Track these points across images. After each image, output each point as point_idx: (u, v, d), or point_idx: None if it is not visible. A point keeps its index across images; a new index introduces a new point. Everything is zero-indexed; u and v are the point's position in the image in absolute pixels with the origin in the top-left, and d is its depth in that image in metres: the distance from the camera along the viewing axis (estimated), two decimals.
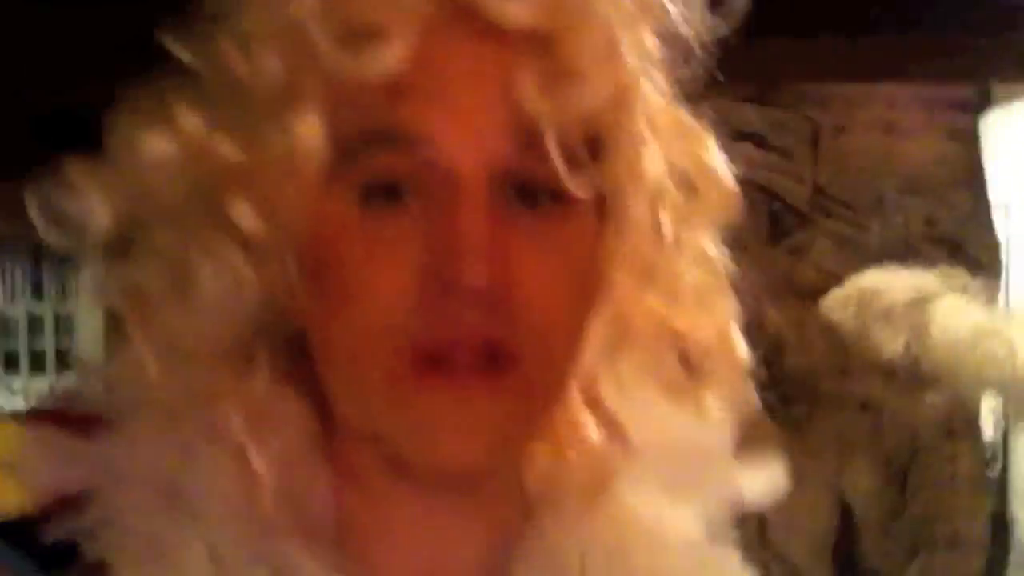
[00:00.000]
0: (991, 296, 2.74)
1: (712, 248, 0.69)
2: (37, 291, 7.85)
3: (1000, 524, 3.48)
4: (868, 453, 2.70)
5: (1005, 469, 3.58)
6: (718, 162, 0.67)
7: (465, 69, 0.59)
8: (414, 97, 0.58)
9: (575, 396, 0.68)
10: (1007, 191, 3.02)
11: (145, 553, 0.61)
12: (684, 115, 0.67)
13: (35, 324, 7.87)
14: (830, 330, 2.60)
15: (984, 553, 2.92)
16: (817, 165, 2.63)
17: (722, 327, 0.70)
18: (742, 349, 0.70)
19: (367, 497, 0.66)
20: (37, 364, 7.83)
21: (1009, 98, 2.88)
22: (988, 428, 3.57)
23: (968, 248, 2.69)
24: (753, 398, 0.72)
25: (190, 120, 0.62)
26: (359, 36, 0.58)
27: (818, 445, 2.66)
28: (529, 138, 0.58)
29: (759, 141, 2.56)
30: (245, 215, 0.62)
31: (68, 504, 0.62)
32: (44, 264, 7.74)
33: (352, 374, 0.62)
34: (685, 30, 0.64)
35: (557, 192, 0.59)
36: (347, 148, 0.59)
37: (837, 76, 2.45)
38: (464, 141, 0.58)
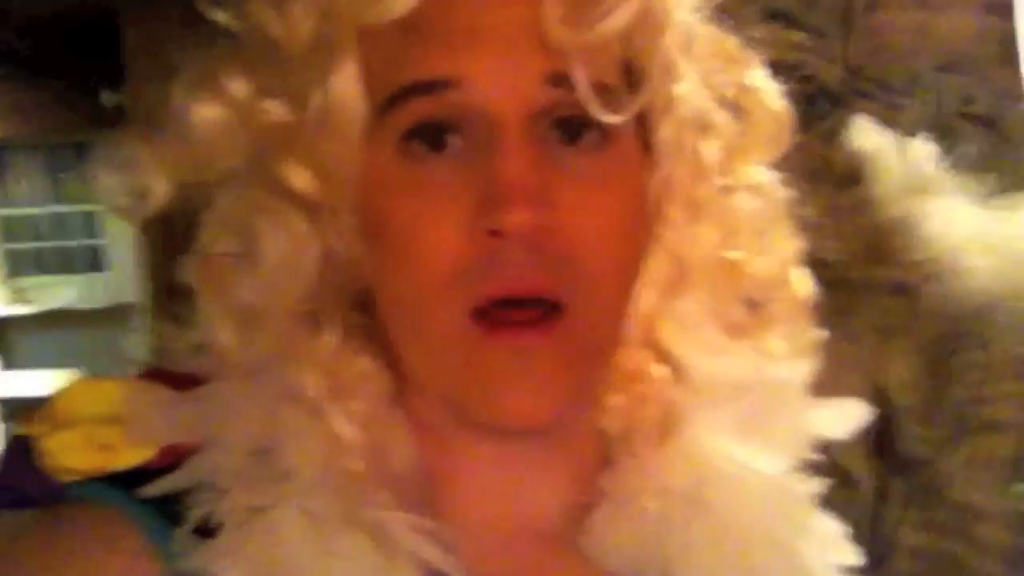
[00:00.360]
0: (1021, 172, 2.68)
1: (768, 177, 0.68)
2: (58, 191, 7.96)
3: None
4: (907, 339, 2.68)
5: None
6: (766, 85, 0.66)
7: (491, 8, 0.59)
8: (445, 41, 0.58)
9: (638, 340, 0.68)
10: None
11: (245, 512, 0.63)
12: (726, 38, 0.66)
13: (59, 224, 8.00)
14: (866, 215, 2.57)
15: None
16: (849, 43, 2.55)
17: (783, 262, 0.70)
18: (806, 285, 0.70)
19: (444, 450, 0.68)
20: (65, 264, 7.99)
21: None
22: None
23: (1004, 126, 2.62)
24: (817, 334, 0.72)
25: (237, 85, 0.65)
26: None
27: (855, 331, 2.64)
28: (563, 72, 0.59)
29: (789, 20, 2.48)
30: (295, 174, 0.63)
31: (180, 457, 0.64)
32: (66, 164, 7.83)
33: (414, 331, 0.64)
34: None
35: (598, 125, 0.60)
36: (384, 100, 0.61)
37: None
38: (497, 82, 0.58)
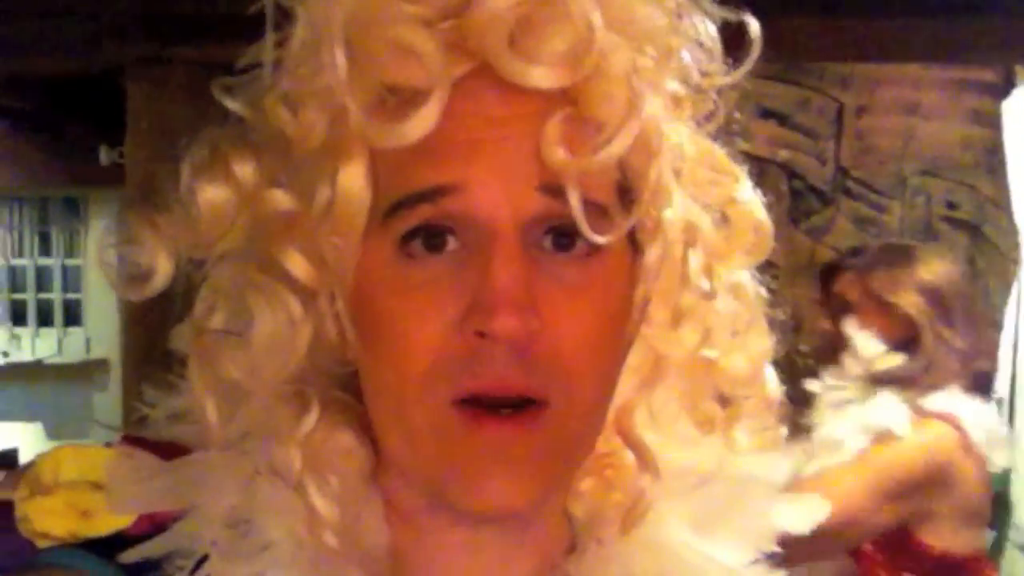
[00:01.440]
0: (1008, 280, 2.74)
1: (748, 281, 0.70)
2: (45, 245, 7.98)
3: (1001, 506, 3.50)
4: None
5: (1008, 455, 3.60)
6: (751, 199, 0.68)
7: (496, 125, 0.60)
8: (450, 153, 0.60)
9: (612, 428, 0.70)
10: None
11: None
12: (715, 155, 0.68)
13: (43, 277, 8.00)
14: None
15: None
16: (840, 145, 2.62)
17: (755, 361, 0.71)
18: (774, 385, 0.72)
19: (415, 531, 0.68)
20: (45, 317, 7.97)
21: None
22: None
23: (987, 231, 2.69)
24: (782, 432, 0.73)
25: (244, 170, 0.65)
26: (391, 101, 0.60)
27: None
28: (559, 187, 0.59)
29: (782, 119, 2.56)
30: (295, 261, 0.64)
31: (157, 525, 0.65)
32: (52, 218, 7.87)
33: (397, 418, 0.64)
34: (710, 73, 0.65)
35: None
36: (389, 205, 0.61)
37: (860, 56, 2.44)
38: (496, 194, 0.60)
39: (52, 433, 7.03)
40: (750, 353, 0.71)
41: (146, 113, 2.50)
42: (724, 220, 0.68)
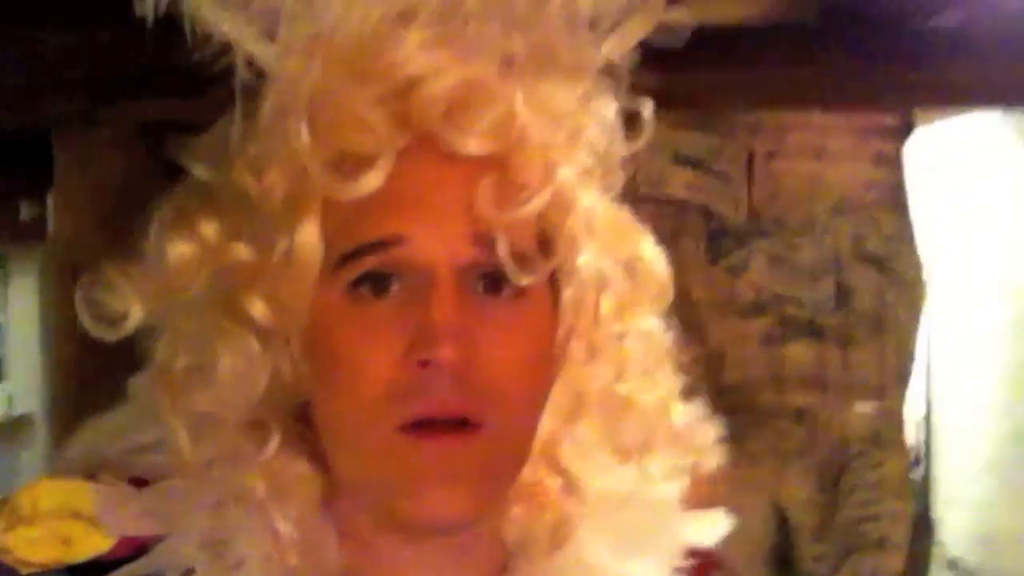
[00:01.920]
0: (916, 311, 2.88)
1: (655, 326, 0.81)
2: None
3: (923, 525, 3.63)
4: (802, 461, 2.81)
5: (927, 473, 3.74)
6: (653, 254, 0.80)
7: (435, 186, 0.71)
8: (395, 209, 0.70)
9: (540, 457, 0.79)
10: (928, 210, 3.18)
11: None
12: (621, 216, 0.79)
13: None
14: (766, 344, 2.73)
15: (909, 553, 3.06)
16: (752, 188, 2.73)
17: (664, 398, 0.82)
18: (681, 419, 0.82)
19: (365, 551, 0.76)
20: None
21: (928, 123, 3.03)
22: (912, 433, 3.73)
23: (894, 265, 2.82)
24: (689, 462, 0.84)
25: (208, 228, 0.73)
26: (346, 163, 0.70)
27: (757, 455, 2.76)
28: (488, 239, 0.70)
29: (698, 165, 2.67)
30: (256, 307, 0.73)
31: (135, 549, 0.71)
32: None
33: (348, 442, 0.72)
34: (614, 147, 0.77)
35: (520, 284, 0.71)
36: (341, 255, 0.71)
37: (769, 104, 2.56)
38: (436, 243, 0.70)
39: None
40: (659, 391, 0.82)
41: (74, 170, 2.51)
42: (632, 273, 0.79)
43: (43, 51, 2.27)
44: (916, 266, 2.84)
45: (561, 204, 0.74)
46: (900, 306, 2.81)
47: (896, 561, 2.90)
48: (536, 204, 0.71)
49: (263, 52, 0.74)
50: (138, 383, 0.80)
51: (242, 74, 0.74)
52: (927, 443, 3.72)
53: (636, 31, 0.77)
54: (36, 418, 7.80)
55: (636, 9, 0.77)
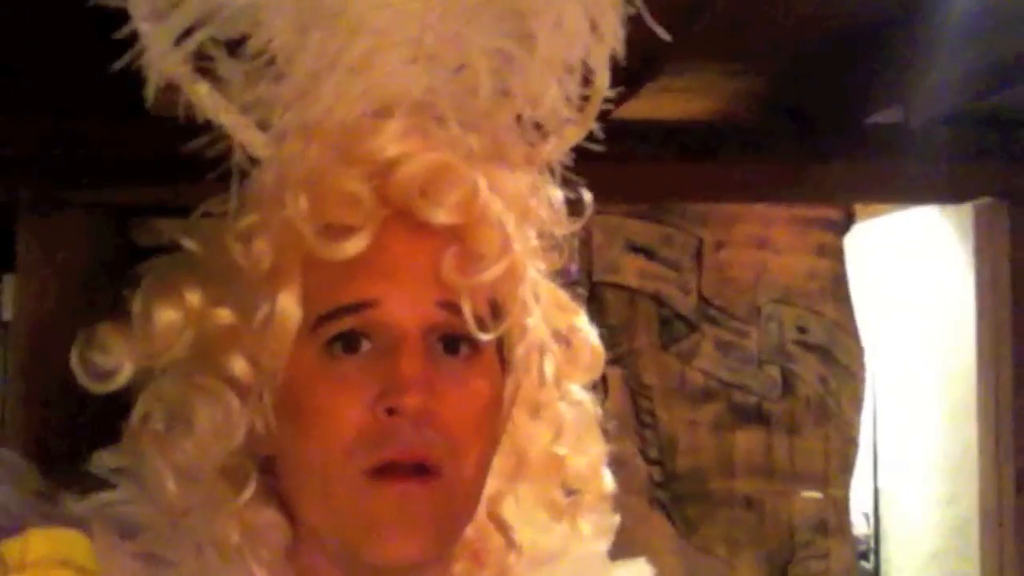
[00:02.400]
0: (858, 398, 2.94)
1: (584, 396, 0.91)
2: None
3: None
4: (752, 550, 2.83)
5: (877, 564, 3.77)
6: (587, 328, 0.91)
7: (407, 255, 0.80)
8: (371, 275, 0.79)
9: (484, 515, 0.86)
10: (870, 301, 3.29)
11: None
12: (559, 294, 0.90)
13: None
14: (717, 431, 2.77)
15: None
16: (701, 276, 2.81)
17: (593, 462, 0.92)
18: (608, 482, 0.91)
19: None
20: None
21: (869, 216, 3.15)
22: (861, 524, 3.77)
23: (836, 354, 2.90)
24: (614, 521, 0.92)
25: (193, 295, 0.81)
26: (335, 231, 0.78)
27: (708, 542, 2.79)
28: (451, 303, 0.79)
29: (650, 254, 2.75)
30: (237, 366, 0.80)
31: None
32: None
33: (318, 485, 0.78)
34: (556, 229, 0.89)
35: (472, 342, 0.80)
36: (318, 316, 0.79)
37: (716, 197, 2.66)
38: (406, 306, 0.79)
39: None
40: (590, 454, 0.91)
41: (38, 252, 2.52)
42: (568, 344, 0.88)
43: (10, 135, 2.31)
44: (858, 355, 2.91)
45: (513, 274, 0.83)
46: (843, 394, 2.87)
47: None
48: (495, 271, 0.80)
49: (255, 140, 0.83)
50: (104, 457, 0.85)
51: (238, 158, 0.82)
52: (876, 534, 3.77)
53: (572, 136, 0.89)
54: None
55: (574, 117, 0.88)
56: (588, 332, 0.91)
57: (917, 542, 3.49)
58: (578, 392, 0.91)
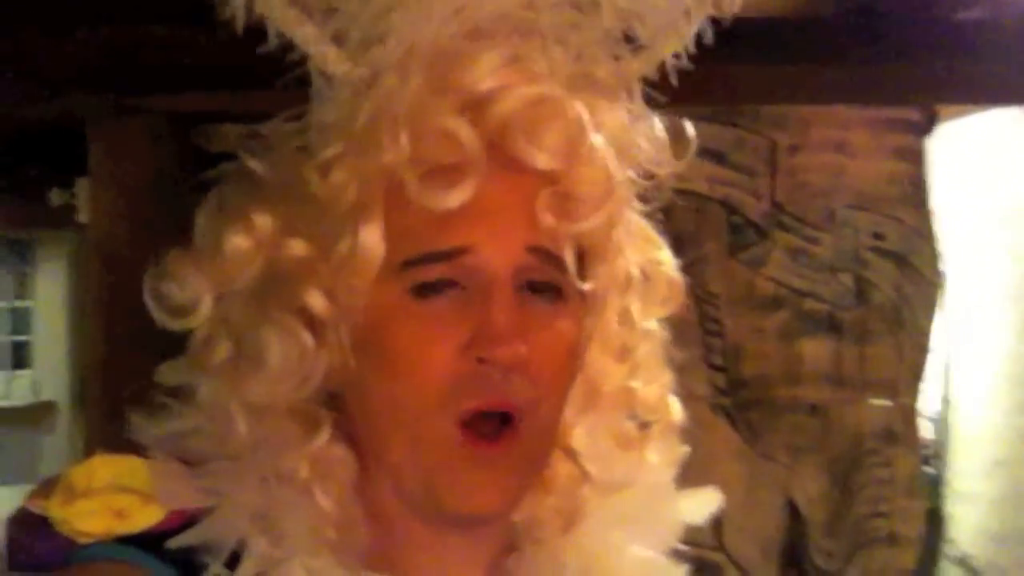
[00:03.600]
0: (931, 305, 2.88)
1: (656, 327, 0.87)
2: None
3: (935, 521, 3.65)
4: (816, 456, 2.83)
5: (940, 470, 3.76)
6: (669, 261, 0.86)
7: (500, 198, 0.75)
8: (463, 221, 0.74)
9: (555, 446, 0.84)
10: (947, 205, 3.20)
11: (260, 565, 0.75)
12: (644, 226, 0.85)
13: None
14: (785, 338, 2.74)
15: (920, 549, 3.08)
16: (774, 181, 2.74)
17: (662, 392, 0.88)
18: (677, 411, 0.88)
19: (388, 528, 0.81)
20: None
21: (953, 118, 3.04)
22: (927, 430, 3.74)
23: (913, 260, 2.83)
24: (683, 451, 0.90)
25: (263, 221, 0.77)
26: (436, 173, 0.73)
27: (771, 449, 2.79)
28: (543, 248, 0.75)
29: (720, 158, 2.69)
30: (315, 300, 0.76)
31: (185, 521, 0.75)
32: (0, 260, 7.79)
33: (408, 427, 0.76)
34: (657, 167, 0.81)
35: (559, 288, 0.77)
36: (406, 259, 0.74)
37: (792, 99, 2.58)
38: (498, 252, 0.75)
39: None
40: (659, 383, 0.87)
41: (107, 160, 2.56)
42: (646, 278, 0.83)
43: (73, 46, 2.32)
44: (934, 262, 2.84)
45: (613, 219, 0.79)
46: (917, 302, 2.81)
47: (907, 557, 2.91)
48: (596, 219, 0.76)
49: (330, 55, 0.77)
50: (167, 370, 0.82)
51: (315, 79, 0.77)
52: (941, 441, 3.74)
53: (671, 47, 0.82)
54: (60, 404, 7.91)
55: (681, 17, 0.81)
56: (669, 266, 0.86)
57: (982, 449, 3.47)
58: (651, 323, 0.87)
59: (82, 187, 3.73)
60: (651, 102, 0.82)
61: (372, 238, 0.75)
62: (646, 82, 0.83)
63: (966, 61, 2.41)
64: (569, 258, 0.77)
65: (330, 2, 0.76)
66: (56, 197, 4.63)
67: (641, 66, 0.82)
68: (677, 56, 0.82)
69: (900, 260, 2.80)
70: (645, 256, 0.85)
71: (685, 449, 0.90)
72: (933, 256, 2.84)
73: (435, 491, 0.76)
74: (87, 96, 2.41)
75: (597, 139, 0.76)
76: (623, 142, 0.79)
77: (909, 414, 2.89)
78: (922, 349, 2.86)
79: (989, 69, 2.43)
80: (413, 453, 0.76)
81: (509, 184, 0.75)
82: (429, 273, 0.74)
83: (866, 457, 2.85)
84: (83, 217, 3.69)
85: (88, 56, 2.29)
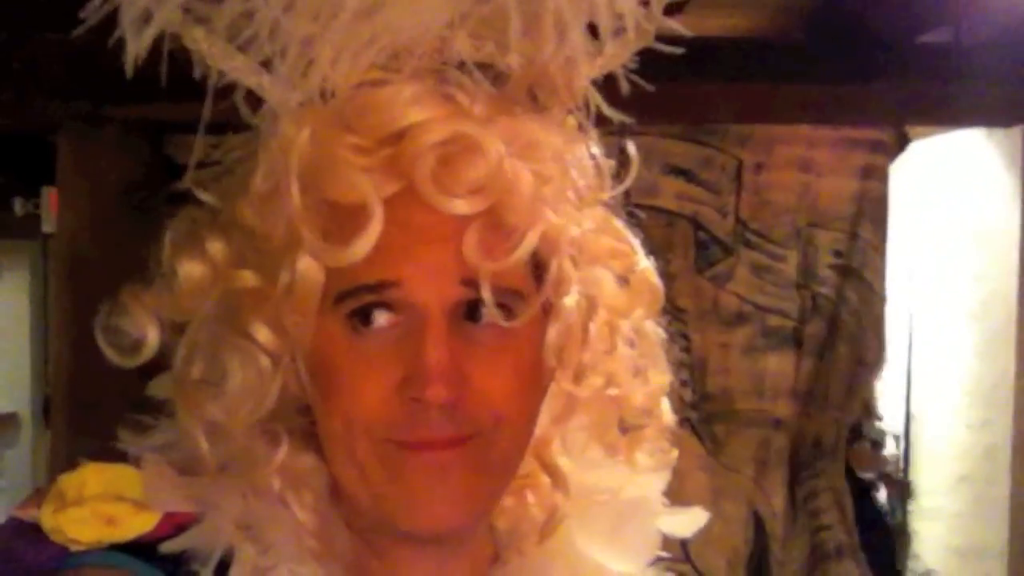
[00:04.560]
0: (878, 317, 2.90)
1: (649, 327, 0.85)
2: None
3: (899, 537, 3.68)
4: (779, 471, 2.85)
5: (906, 486, 3.79)
6: (646, 265, 0.84)
7: (426, 231, 0.73)
8: (389, 255, 0.73)
9: (531, 454, 0.84)
10: (910, 223, 3.24)
11: (242, 570, 0.75)
12: (617, 232, 0.83)
13: None
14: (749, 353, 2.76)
15: (883, 564, 3.10)
16: (740, 199, 2.77)
17: (654, 394, 0.87)
18: (669, 412, 0.87)
19: (368, 545, 0.81)
20: None
21: (921, 137, 3.08)
22: (891, 446, 3.78)
23: (865, 275, 2.84)
24: (675, 455, 0.89)
25: (217, 249, 0.77)
26: (338, 220, 0.72)
27: (736, 461, 2.81)
28: (475, 281, 0.73)
29: (688, 175, 2.70)
30: (261, 332, 0.76)
31: (176, 528, 0.76)
32: None
33: (345, 455, 0.76)
34: (597, 193, 0.81)
35: (509, 307, 0.74)
36: (339, 292, 0.74)
37: (758, 118, 2.61)
38: (428, 287, 0.73)
39: None
40: (650, 388, 0.87)
41: (75, 169, 2.54)
42: (625, 282, 0.83)
43: (45, 53, 2.31)
44: (883, 275, 2.87)
45: (549, 242, 0.77)
46: (865, 316, 2.84)
47: (855, 569, 2.93)
48: (523, 251, 0.74)
49: (262, 85, 0.76)
50: (156, 385, 0.83)
51: (243, 111, 0.77)
52: (906, 456, 3.78)
53: (634, 43, 0.80)
54: (21, 416, 7.80)
55: (632, 24, 0.79)
56: (646, 270, 0.84)
57: (946, 465, 3.50)
58: (640, 324, 0.85)
59: (46, 196, 3.70)
60: (620, 122, 0.81)
61: (309, 271, 0.74)
62: (613, 101, 0.81)
63: (930, 83, 2.45)
64: (514, 284, 0.75)
65: (256, 33, 0.75)
66: (20, 206, 4.58)
67: (600, 64, 0.80)
68: (636, 73, 0.80)
69: (854, 275, 2.83)
70: (620, 261, 0.84)
71: (675, 454, 0.89)
72: (882, 268, 2.87)
73: (386, 511, 0.76)
74: (56, 104, 2.40)
75: (519, 169, 0.74)
76: (558, 165, 0.78)
77: (841, 427, 2.93)
78: (862, 363, 2.88)
79: (952, 91, 2.47)
80: (360, 476, 0.76)
81: (435, 218, 0.73)
82: (359, 301, 0.74)
83: (801, 470, 2.88)
84: (47, 227, 3.66)
85: (58, 63, 2.28)
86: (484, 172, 0.72)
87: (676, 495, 0.93)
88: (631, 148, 0.82)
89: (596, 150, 0.81)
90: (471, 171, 0.72)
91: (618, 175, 0.84)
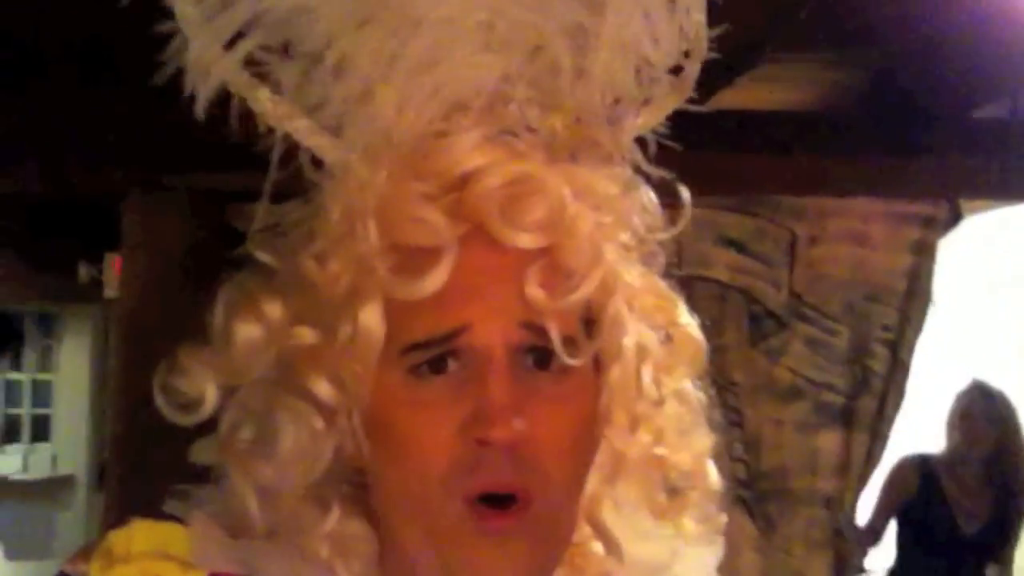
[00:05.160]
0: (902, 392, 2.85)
1: (690, 387, 0.85)
2: (16, 359, 7.95)
3: None
4: (829, 548, 2.80)
5: None
6: (688, 321, 0.85)
7: (491, 274, 0.75)
8: (456, 301, 0.74)
9: (583, 520, 0.83)
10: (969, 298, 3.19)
11: None
12: (658, 286, 0.84)
13: (12, 391, 7.93)
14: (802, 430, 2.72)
15: None
16: (793, 272, 2.76)
17: (699, 456, 0.86)
18: (715, 476, 0.86)
19: None
20: (12, 432, 7.86)
21: (974, 213, 3.05)
22: None
23: (900, 351, 2.81)
24: (723, 520, 0.88)
25: (273, 310, 0.78)
26: (411, 260, 0.74)
27: (787, 542, 2.76)
28: (536, 324, 0.75)
29: (741, 248, 2.70)
30: (320, 386, 0.77)
31: None
32: (25, 333, 7.85)
33: (414, 514, 0.76)
34: (652, 235, 0.83)
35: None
36: (404, 344, 0.75)
37: (812, 190, 2.61)
38: (491, 329, 0.74)
39: (11, 553, 6.88)
40: (695, 450, 0.86)
41: (139, 235, 2.60)
42: (668, 339, 0.83)
43: (116, 122, 2.38)
44: (912, 352, 2.85)
45: (606, 287, 0.78)
46: (893, 391, 2.82)
47: None
48: (584, 291, 0.76)
49: (323, 144, 0.79)
50: (197, 450, 0.83)
51: (307, 169, 0.79)
52: None
53: (665, 108, 0.84)
54: (78, 479, 7.89)
55: (669, 88, 0.83)
56: (689, 326, 0.84)
57: None
58: (682, 385, 0.85)
59: (109, 262, 3.78)
60: (672, 190, 0.83)
61: (371, 321, 0.75)
62: (668, 173, 0.83)
63: (985, 158, 2.44)
64: (569, 330, 0.76)
65: (313, 95, 0.78)
66: (84, 272, 4.68)
67: (635, 127, 0.83)
68: (685, 144, 0.83)
69: (894, 349, 2.80)
70: (662, 318, 0.84)
71: (724, 518, 0.88)
72: (915, 344, 2.84)
73: (451, 571, 0.76)
74: (122, 173, 2.47)
75: (581, 211, 0.77)
76: (615, 209, 0.80)
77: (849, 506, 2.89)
78: (884, 438, 2.84)
79: (1006, 165, 2.45)
80: (425, 537, 0.76)
81: (498, 261, 0.76)
82: (427, 353, 0.75)
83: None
84: (109, 292, 3.73)
85: (124, 131, 2.36)
86: (547, 211, 0.75)
87: (727, 572, 0.93)
88: (685, 193, 0.83)
89: (650, 200, 0.83)
90: (536, 210, 0.75)
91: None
